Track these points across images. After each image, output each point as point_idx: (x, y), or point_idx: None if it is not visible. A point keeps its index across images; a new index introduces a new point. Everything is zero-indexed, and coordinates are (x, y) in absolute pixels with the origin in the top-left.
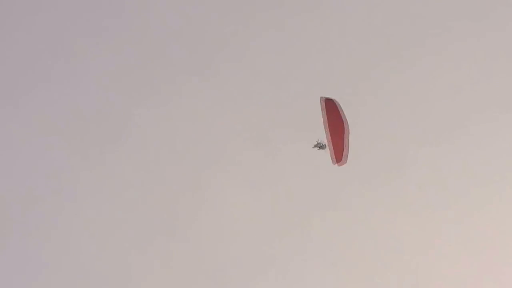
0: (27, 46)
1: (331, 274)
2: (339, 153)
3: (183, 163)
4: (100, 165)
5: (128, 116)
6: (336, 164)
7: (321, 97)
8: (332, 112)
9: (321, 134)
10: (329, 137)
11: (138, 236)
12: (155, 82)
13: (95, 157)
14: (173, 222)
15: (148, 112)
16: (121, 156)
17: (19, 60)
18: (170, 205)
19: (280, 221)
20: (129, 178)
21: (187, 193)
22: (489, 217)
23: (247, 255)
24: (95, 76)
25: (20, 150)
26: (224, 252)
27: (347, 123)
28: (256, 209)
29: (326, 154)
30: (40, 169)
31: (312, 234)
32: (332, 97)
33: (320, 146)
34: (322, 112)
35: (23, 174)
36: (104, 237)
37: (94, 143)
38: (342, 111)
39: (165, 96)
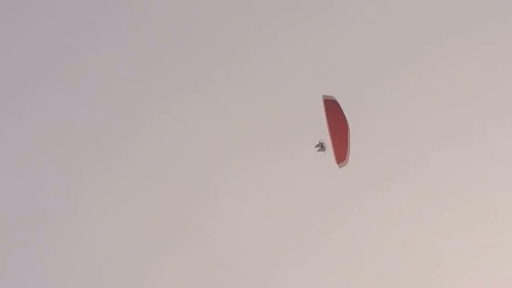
0: (22, 60)
1: (342, 274)
2: (341, 153)
3: (192, 170)
4: (110, 173)
5: (135, 123)
6: (338, 164)
7: (323, 97)
8: (333, 112)
9: (323, 134)
10: (330, 137)
11: (149, 244)
12: (162, 89)
13: (105, 165)
14: (183, 230)
15: (156, 119)
16: (131, 164)
17: (12, 77)
18: (180, 214)
19: (291, 224)
20: (138, 186)
21: (196, 199)
22: (495, 220)
23: (258, 259)
24: (94, 86)
25: (18, 165)
26: (235, 256)
27: (348, 124)
28: (266, 213)
29: (331, 156)
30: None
31: (322, 236)
32: (334, 98)
33: (320, 147)
34: (323, 112)
35: (26, 189)
36: (114, 245)
37: (103, 150)
38: (342, 111)
39: (172, 102)
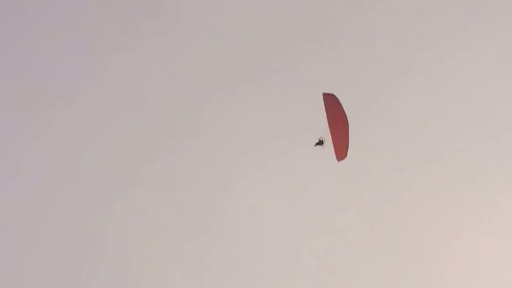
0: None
1: (360, 270)
2: (340, 147)
3: (208, 166)
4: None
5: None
6: (338, 159)
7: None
8: (332, 107)
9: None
10: (330, 132)
11: (167, 240)
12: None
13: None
14: (198, 228)
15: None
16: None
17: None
18: (194, 212)
19: (307, 220)
20: (158, 183)
21: (214, 195)
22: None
23: (274, 254)
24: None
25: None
26: (250, 253)
27: (347, 118)
28: (282, 208)
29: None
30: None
31: (337, 231)
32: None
33: (318, 142)
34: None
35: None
36: (128, 245)
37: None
38: (341, 106)
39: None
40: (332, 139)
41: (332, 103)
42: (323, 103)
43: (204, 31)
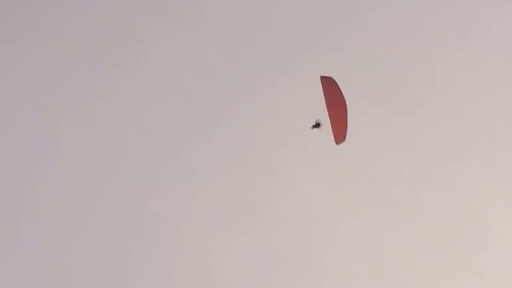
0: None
1: (404, 252)
2: (339, 131)
3: (252, 151)
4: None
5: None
6: (337, 143)
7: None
8: (331, 90)
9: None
10: (329, 115)
11: (210, 229)
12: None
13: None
14: (244, 213)
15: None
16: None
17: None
18: (242, 195)
19: (354, 203)
20: (198, 171)
21: (257, 181)
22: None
23: (320, 240)
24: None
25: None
26: (297, 238)
27: (345, 101)
28: (329, 193)
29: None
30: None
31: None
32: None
33: (315, 125)
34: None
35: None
36: (175, 232)
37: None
38: (339, 89)
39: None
40: (331, 123)
41: (330, 87)
42: (322, 87)
43: (241, 24)
